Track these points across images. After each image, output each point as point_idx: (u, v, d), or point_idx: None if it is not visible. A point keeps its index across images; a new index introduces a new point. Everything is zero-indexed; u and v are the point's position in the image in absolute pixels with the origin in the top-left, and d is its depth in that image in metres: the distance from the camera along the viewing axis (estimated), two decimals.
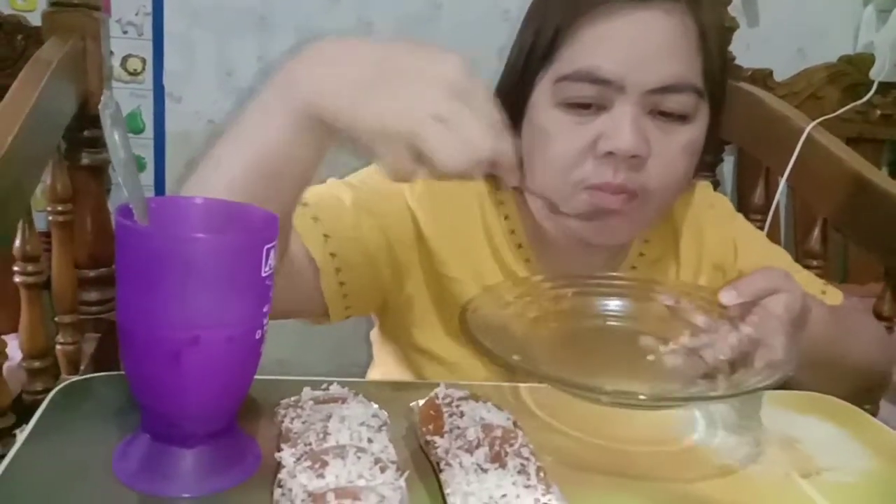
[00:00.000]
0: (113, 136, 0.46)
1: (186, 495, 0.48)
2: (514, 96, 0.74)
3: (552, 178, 0.71)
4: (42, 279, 1.07)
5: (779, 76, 1.73)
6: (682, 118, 0.70)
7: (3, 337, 0.98)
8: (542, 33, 0.71)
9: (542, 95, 0.72)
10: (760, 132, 1.42)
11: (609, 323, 0.71)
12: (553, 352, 0.64)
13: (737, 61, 1.60)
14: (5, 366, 0.98)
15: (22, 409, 1.00)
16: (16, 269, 1.03)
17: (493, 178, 0.79)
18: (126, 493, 0.48)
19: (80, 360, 1.22)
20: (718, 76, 0.73)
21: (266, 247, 0.45)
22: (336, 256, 0.71)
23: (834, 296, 0.85)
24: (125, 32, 1.43)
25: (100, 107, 0.47)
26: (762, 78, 1.69)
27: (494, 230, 0.80)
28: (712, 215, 0.86)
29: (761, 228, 1.39)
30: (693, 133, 0.71)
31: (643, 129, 0.68)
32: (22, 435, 0.53)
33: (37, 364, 1.06)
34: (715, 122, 0.75)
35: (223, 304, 0.44)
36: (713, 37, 0.71)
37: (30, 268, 1.02)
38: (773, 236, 1.63)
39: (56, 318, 1.19)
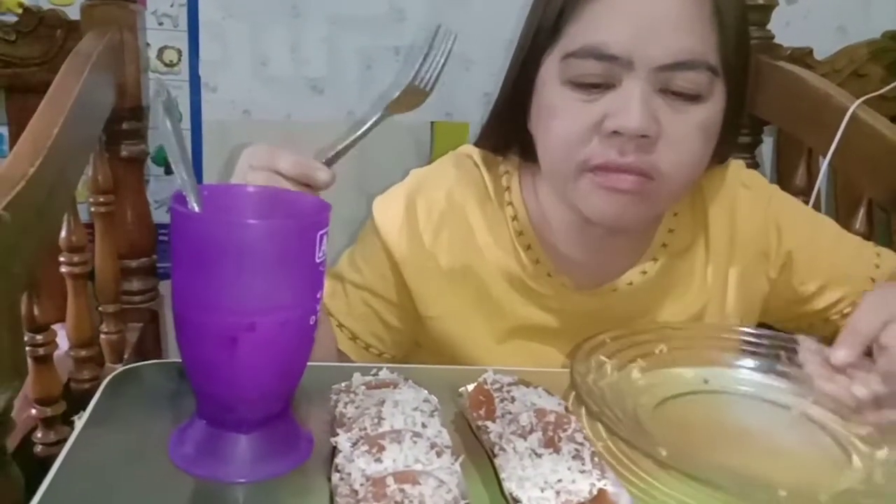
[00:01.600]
0: (166, 125, 0.47)
1: (242, 480, 0.48)
2: (523, 75, 0.73)
3: (557, 157, 0.70)
4: (88, 269, 1.09)
5: (819, 54, 1.69)
6: (695, 97, 0.66)
7: (51, 327, 1.00)
8: (548, 9, 0.69)
9: (550, 73, 0.70)
10: (801, 112, 1.39)
11: (707, 384, 0.65)
12: (671, 428, 0.57)
13: (776, 40, 1.56)
14: (54, 354, 1.00)
15: (70, 397, 1.02)
16: (62, 259, 1.05)
17: (499, 180, 0.80)
18: (182, 478, 0.48)
19: (123, 349, 1.24)
20: (736, 53, 0.68)
21: (319, 232, 0.45)
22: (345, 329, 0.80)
23: (889, 257, 0.83)
24: (161, 24, 1.44)
25: (152, 95, 0.47)
26: (802, 56, 1.65)
27: (501, 234, 0.79)
28: (747, 197, 0.82)
29: None
30: (707, 113, 0.68)
31: (653, 108, 0.65)
32: (80, 421, 0.54)
33: (83, 353, 1.08)
34: (738, 103, 0.71)
35: (278, 289, 0.44)
36: (729, 11, 0.67)
37: (75, 258, 1.04)
38: None
39: (100, 308, 1.21)
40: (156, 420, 0.54)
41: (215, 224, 0.44)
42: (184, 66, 1.45)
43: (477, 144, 0.83)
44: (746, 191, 0.82)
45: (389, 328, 0.81)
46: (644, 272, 0.80)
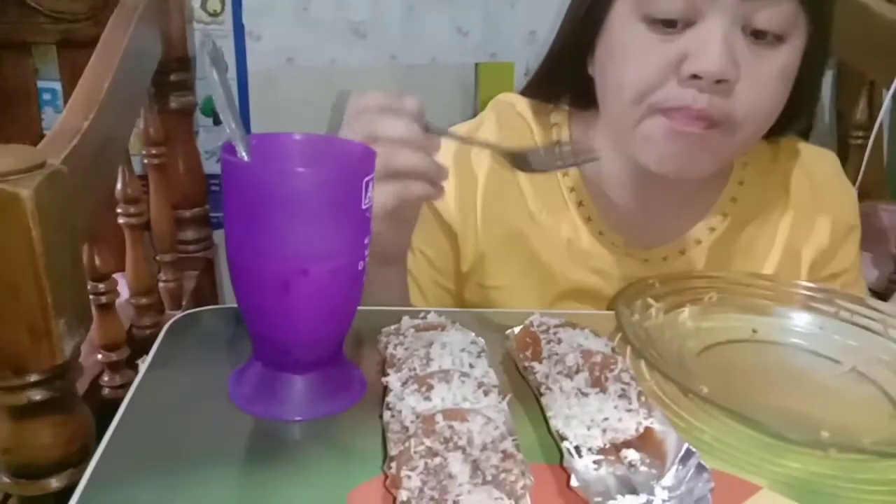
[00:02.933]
0: (213, 75, 0.47)
1: (298, 418, 0.50)
2: (592, 13, 0.69)
3: (628, 99, 0.66)
4: (144, 220, 1.13)
5: None
6: (777, 39, 0.63)
7: (112, 276, 1.04)
8: None
9: (624, 8, 0.66)
10: (866, 42, 1.33)
11: (755, 334, 0.64)
12: (717, 373, 0.57)
13: None
14: (116, 302, 1.04)
15: (133, 343, 1.06)
16: (119, 211, 1.08)
17: (549, 132, 0.77)
18: (242, 417, 0.50)
19: (181, 296, 1.29)
20: None
21: (365, 179, 0.46)
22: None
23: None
24: None
25: (198, 46, 0.48)
26: None
27: (551, 193, 0.77)
28: (835, 186, 0.80)
29: (864, 147, 1.32)
30: (788, 57, 0.64)
31: (733, 50, 0.62)
32: (144, 365, 0.57)
33: (144, 301, 1.13)
34: (822, 45, 0.67)
35: (328, 236, 0.45)
36: None
37: (132, 209, 1.07)
38: (875, 156, 1.55)
39: (157, 258, 1.25)
40: (215, 363, 0.56)
41: (265, 173, 0.45)
42: (227, 15, 1.45)
43: (525, 93, 0.79)
44: (844, 191, 0.81)
45: (452, 294, 0.81)
46: (712, 228, 0.77)
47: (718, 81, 0.62)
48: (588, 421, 0.46)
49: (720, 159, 0.70)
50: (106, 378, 1.01)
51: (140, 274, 1.11)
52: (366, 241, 0.48)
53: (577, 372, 0.50)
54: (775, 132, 0.74)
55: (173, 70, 1.28)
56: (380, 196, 0.56)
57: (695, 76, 0.62)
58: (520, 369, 0.56)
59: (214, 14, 1.45)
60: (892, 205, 1.46)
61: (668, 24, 0.63)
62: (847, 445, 0.47)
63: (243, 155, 0.48)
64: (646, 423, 0.46)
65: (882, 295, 1.35)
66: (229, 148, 0.47)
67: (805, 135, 0.81)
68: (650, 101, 0.65)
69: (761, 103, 0.65)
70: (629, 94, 0.66)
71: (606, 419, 0.46)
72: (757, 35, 0.63)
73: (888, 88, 1.23)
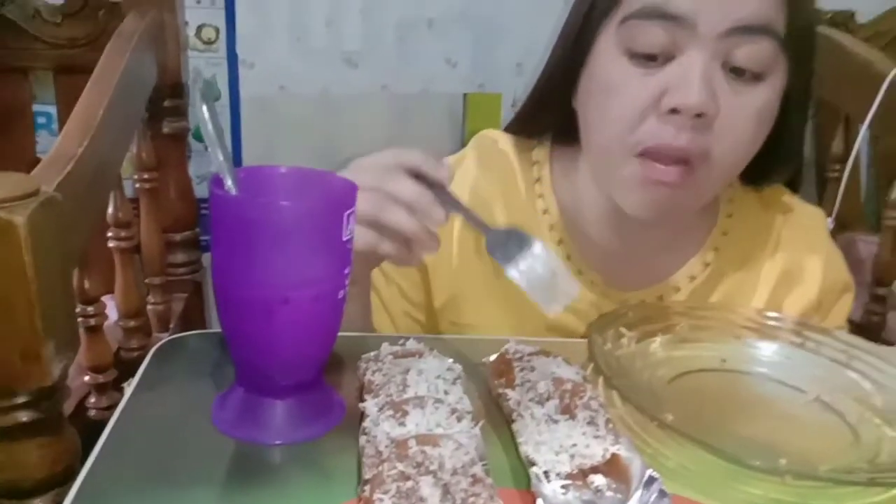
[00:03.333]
0: (203, 110, 0.50)
1: (279, 442, 0.52)
2: (576, 47, 0.70)
3: (611, 136, 0.66)
4: (134, 244, 1.14)
5: (863, 17, 1.65)
6: (756, 77, 0.64)
7: (100, 299, 1.05)
8: None
9: (607, 43, 0.67)
10: (841, 78, 1.37)
11: (724, 363, 0.66)
12: (684, 401, 0.59)
13: (817, 3, 1.53)
14: (104, 325, 1.05)
15: (120, 365, 1.08)
16: (109, 234, 1.10)
17: (529, 170, 0.78)
18: (225, 441, 0.52)
19: (170, 319, 1.30)
20: (805, 30, 0.66)
21: (346, 212, 0.48)
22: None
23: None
24: (198, 2, 1.48)
25: (189, 82, 0.50)
26: (843, 20, 1.62)
27: (529, 231, 0.78)
28: (828, 253, 0.80)
29: (839, 179, 1.35)
30: (767, 94, 0.65)
31: (712, 84, 0.62)
32: (129, 388, 0.58)
33: (132, 323, 1.14)
34: (803, 84, 0.68)
35: (309, 266, 0.47)
36: None
37: (122, 233, 1.09)
38: (852, 188, 1.58)
39: (146, 280, 1.27)
40: (200, 387, 0.58)
41: (249, 205, 0.47)
42: (221, 43, 1.49)
43: (509, 129, 0.80)
44: (835, 251, 0.81)
45: (422, 326, 0.81)
46: (693, 277, 0.77)
47: (698, 115, 0.63)
48: (557, 447, 0.48)
49: (697, 198, 0.70)
50: (93, 400, 1.02)
51: (129, 297, 1.12)
52: (346, 271, 0.50)
53: (547, 399, 0.52)
54: (760, 179, 0.76)
55: (167, 96, 1.30)
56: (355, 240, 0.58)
57: (674, 110, 0.63)
58: (494, 396, 0.58)
59: (209, 42, 1.48)
60: (869, 236, 1.49)
61: (650, 58, 0.64)
62: (803, 473, 0.49)
63: (231, 187, 0.50)
64: (612, 449, 0.48)
65: (859, 325, 1.38)
66: (218, 181, 0.49)
67: (794, 187, 0.81)
68: (633, 140, 0.65)
69: (738, 140, 0.66)
70: (614, 130, 0.66)
71: (574, 445, 0.48)
72: (736, 72, 0.64)
73: (863, 122, 1.27)
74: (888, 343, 1.33)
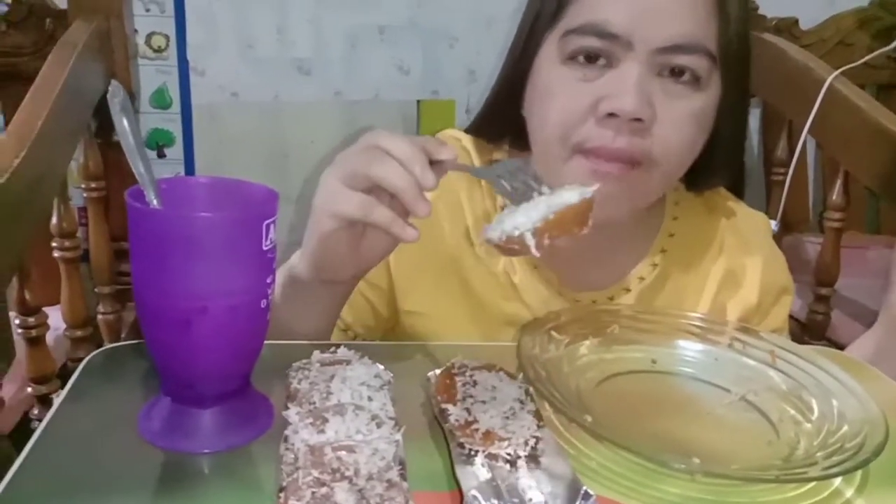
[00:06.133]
0: (122, 123, 0.50)
1: (206, 450, 0.52)
2: (522, 58, 0.73)
3: (552, 138, 0.69)
4: (79, 253, 1.13)
5: (807, 24, 1.69)
6: (692, 83, 0.67)
7: (49, 308, 1.04)
8: None
9: (549, 53, 0.70)
10: (783, 84, 1.41)
11: (654, 364, 0.67)
12: (610, 402, 0.60)
13: (762, 10, 1.57)
14: (53, 335, 1.04)
15: (68, 376, 1.06)
16: (54, 245, 1.09)
17: (488, 154, 0.79)
18: (151, 451, 0.52)
19: (121, 329, 1.29)
20: (737, 43, 0.68)
21: (265, 222, 0.49)
22: None
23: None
24: (148, 10, 1.47)
25: (108, 96, 0.50)
26: (787, 27, 1.66)
27: (489, 208, 0.78)
28: (772, 259, 0.82)
29: (783, 182, 1.39)
30: (703, 102, 0.68)
31: (648, 93, 0.65)
32: (58, 399, 0.58)
33: (78, 333, 1.13)
34: (739, 94, 0.71)
35: (227, 276, 0.48)
36: (733, 3, 0.68)
37: (67, 243, 1.08)
38: (799, 190, 1.63)
39: (96, 290, 1.26)
40: (129, 397, 0.58)
41: (166, 217, 0.48)
42: (172, 51, 1.48)
43: (469, 131, 0.82)
44: (774, 255, 0.82)
45: (379, 318, 0.81)
46: (642, 278, 0.79)
47: (635, 120, 0.65)
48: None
49: (641, 197, 0.72)
50: (36, 411, 1.01)
51: (75, 307, 1.11)
52: (268, 280, 0.51)
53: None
54: (701, 183, 0.78)
55: None
56: (344, 203, 0.58)
57: (611, 115, 0.65)
58: (436, 413, 0.56)
59: (159, 50, 1.47)
60: (816, 237, 1.53)
61: (588, 64, 0.67)
62: (714, 472, 0.51)
63: (153, 200, 0.50)
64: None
65: (805, 324, 1.41)
66: (135, 193, 0.49)
67: (738, 192, 0.83)
68: (572, 142, 0.68)
69: (676, 143, 0.68)
70: (552, 132, 0.69)
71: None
72: (674, 75, 0.67)
73: (804, 127, 1.30)
74: (833, 342, 1.38)
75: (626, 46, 0.65)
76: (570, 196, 0.55)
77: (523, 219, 0.55)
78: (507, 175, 0.60)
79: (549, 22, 0.70)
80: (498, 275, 0.78)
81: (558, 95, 0.69)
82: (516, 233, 0.55)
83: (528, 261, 0.78)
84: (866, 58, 1.50)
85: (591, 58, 0.67)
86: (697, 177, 0.76)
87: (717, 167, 0.76)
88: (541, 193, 0.58)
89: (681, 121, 0.68)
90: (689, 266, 0.80)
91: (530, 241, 0.54)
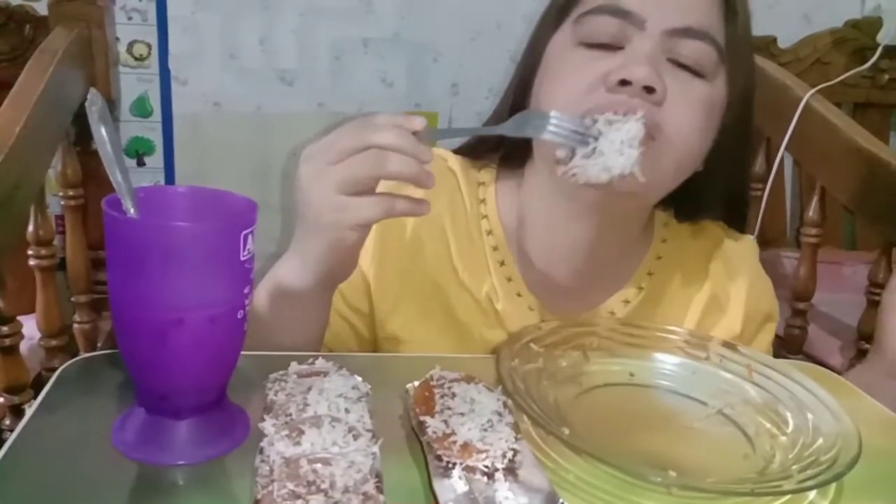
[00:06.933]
0: (100, 132, 0.50)
1: (181, 462, 0.51)
2: (536, 48, 0.74)
3: (560, 108, 0.66)
4: (55, 262, 1.12)
5: (784, 42, 1.72)
6: (699, 74, 0.67)
7: (23, 317, 1.03)
8: None
9: (563, 37, 0.71)
10: (760, 101, 1.41)
11: (632, 378, 0.68)
12: (587, 415, 0.60)
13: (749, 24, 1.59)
14: (27, 345, 1.03)
15: (41, 386, 1.05)
16: (30, 252, 1.07)
17: (475, 191, 0.79)
18: (125, 463, 0.51)
19: (97, 338, 1.28)
20: (742, 45, 0.69)
21: (243, 233, 0.48)
22: None
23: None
24: (130, 18, 1.46)
25: (87, 104, 0.50)
26: (766, 45, 1.68)
27: (473, 251, 0.78)
28: (760, 285, 0.83)
29: (761, 197, 1.41)
30: (711, 92, 0.68)
31: (659, 69, 0.65)
32: (30, 410, 0.57)
33: (53, 342, 1.11)
34: (744, 109, 0.71)
35: (204, 287, 0.47)
36: (739, 8, 0.69)
37: (43, 251, 1.07)
38: (777, 206, 1.65)
39: (72, 299, 1.24)
40: (103, 409, 0.57)
41: (142, 227, 0.47)
42: (154, 59, 1.47)
43: (460, 151, 0.81)
44: (760, 281, 0.82)
45: (362, 340, 0.80)
46: (627, 301, 0.79)
47: (647, 89, 0.64)
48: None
49: (654, 175, 0.66)
50: (7, 422, 1.00)
51: (50, 316, 1.10)
52: (245, 291, 0.50)
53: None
54: (692, 214, 0.78)
55: None
56: (365, 210, 0.59)
57: (623, 82, 0.65)
58: (413, 425, 0.56)
59: (141, 58, 1.47)
60: (794, 252, 1.55)
61: (601, 46, 0.68)
62: (689, 485, 0.51)
63: (130, 209, 0.50)
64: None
65: (783, 339, 1.42)
66: (112, 202, 0.49)
67: (739, 229, 0.84)
68: (583, 108, 0.66)
69: (688, 123, 0.67)
70: (563, 104, 0.66)
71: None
72: (680, 67, 0.67)
73: (781, 144, 1.32)
74: (810, 356, 1.39)
75: (638, 25, 0.66)
76: (632, 125, 0.63)
77: (621, 158, 0.63)
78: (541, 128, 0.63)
79: (564, 9, 0.71)
80: (481, 301, 0.77)
81: (570, 72, 0.69)
82: (627, 170, 0.63)
83: (512, 287, 0.78)
84: (842, 76, 1.53)
85: (604, 46, 0.68)
86: (692, 205, 0.77)
87: (711, 198, 0.77)
88: (594, 136, 0.64)
89: (691, 103, 0.67)
90: (675, 291, 0.80)
91: (640, 175, 0.63)
